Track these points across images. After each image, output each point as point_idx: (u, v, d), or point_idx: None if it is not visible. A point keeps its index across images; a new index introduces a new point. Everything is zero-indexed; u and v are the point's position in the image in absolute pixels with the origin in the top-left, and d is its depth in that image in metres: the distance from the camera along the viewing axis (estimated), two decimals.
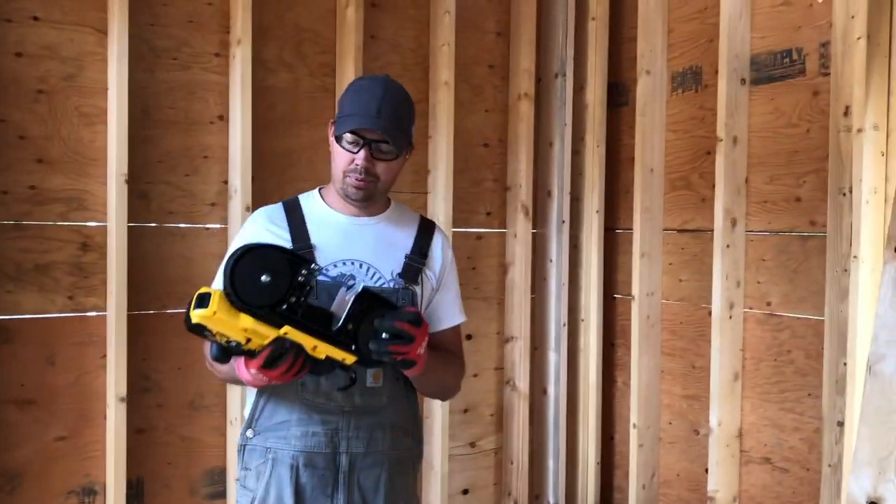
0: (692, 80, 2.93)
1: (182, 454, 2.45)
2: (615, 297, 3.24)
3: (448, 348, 1.82)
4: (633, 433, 3.02)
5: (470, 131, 2.98)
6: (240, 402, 2.44)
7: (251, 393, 1.74)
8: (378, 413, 1.71)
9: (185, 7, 2.41)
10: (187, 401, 2.45)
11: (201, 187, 2.46)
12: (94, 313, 2.30)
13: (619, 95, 3.21)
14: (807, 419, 2.53)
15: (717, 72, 2.78)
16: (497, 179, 3.07)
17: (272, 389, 1.69)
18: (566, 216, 3.11)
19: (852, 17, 2.33)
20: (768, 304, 2.65)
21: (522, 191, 3.02)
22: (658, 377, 3.04)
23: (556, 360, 3.12)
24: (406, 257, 1.74)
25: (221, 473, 2.50)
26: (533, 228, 3.09)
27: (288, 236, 1.70)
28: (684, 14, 2.95)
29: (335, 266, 1.68)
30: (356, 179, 1.66)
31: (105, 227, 2.29)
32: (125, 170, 2.24)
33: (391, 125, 1.63)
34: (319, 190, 1.80)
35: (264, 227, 1.73)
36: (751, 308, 2.70)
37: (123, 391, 2.25)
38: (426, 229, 1.81)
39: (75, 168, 2.26)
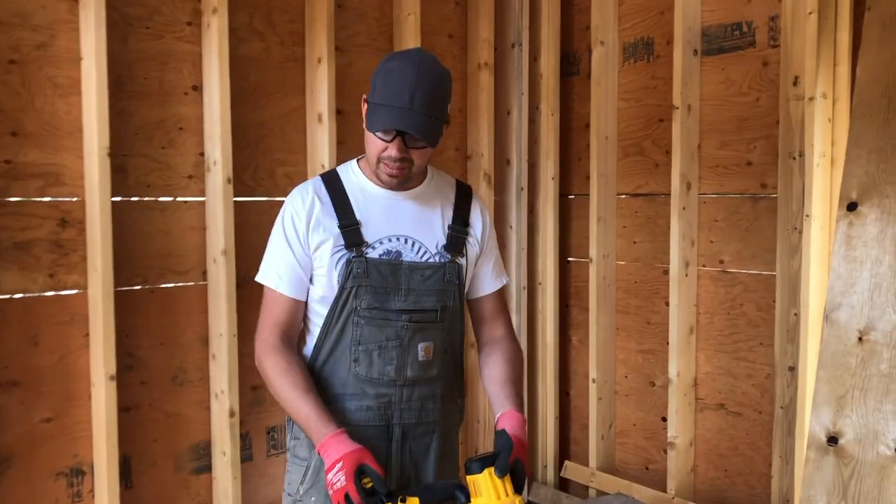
0: (644, 51, 3.07)
1: (167, 430, 2.43)
2: (569, 261, 3.38)
3: (492, 317, 1.85)
4: (592, 387, 3.19)
5: None
6: (224, 375, 2.44)
7: None
8: (429, 384, 1.74)
9: None
10: (170, 376, 2.43)
11: (178, 160, 2.41)
12: (75, 291, 2.23)
13: (571, 65, 3.33)
14: (759, 366, 2.75)
15: (668, 42, 2.94)
16: (458, 148, 3.14)
17: (325, 363, 1.71)
18: (524, 183, 3.22)
19: None
20: (721, 261, 2.84)
21: (484, 159, 3.10)
22: (614, 334, 3.22)
23: (516, 321, 3.24)
24: (449, 228, 1.75)
25: (206, 447, 2.50)
26: (493, 196, 3.18)
27: (333, 213, 1.68)
28: None
29: (381, 243, 1.68)
30: (389, 168, 1.63)
31: (83, 202, 2.22)
32: (107, 143, 2.17)
33: (425, 118, 1.56)
34: (358, 161, 1.77)
35: (308, 205, 1.69)
36: (704, 266, 2.89)
37: (113, 369, 2.20)
38: (464, 196, 1.81)
39: (51, 141, 2.17)
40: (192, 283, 2.46)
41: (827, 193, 2.48)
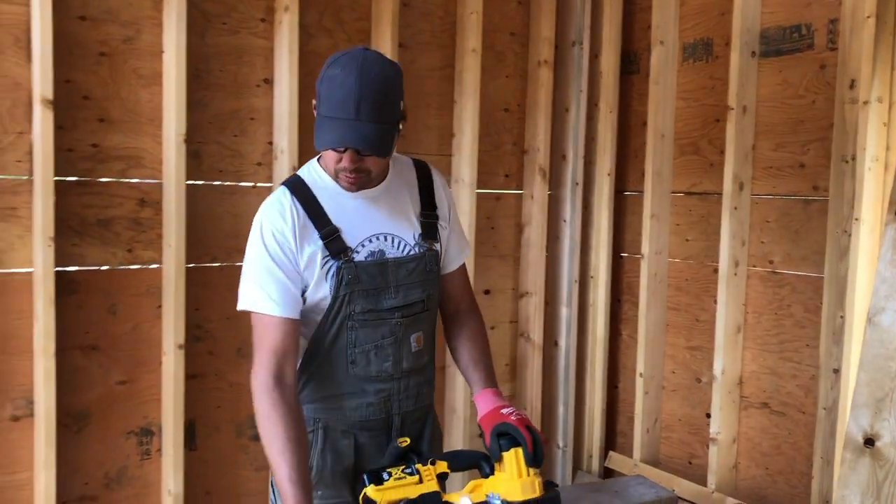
0: (703, 51, 3.10)
1: (230, 398, 2.61)
2: (622, 256, 3.44)
3: (458, 292, 1.85)
4: (639, 381, 3.25)
5: (491, 96, 3.13)
6: None
7: None
8: (422, 371, 1.78)
9: None
10: (235, 348, 2.61)
11: (248, 147, 2.58)
12: (151, 266, 2.43)
13: (631, 64, 3.38)
14: (804, 367, 2.77)
15: (727, 44, 2.96)
16: (515, 143, 3.23)
17: (315, 369, 1.70)
18: (580, 179, 3.29)
19: None
20: (770, 262, 2.87)
21: (540, 154, 3.18)
22: (664, 330, 3.26)
23: (567, 314, 3.32)
24: (420, 215, 1.74)
25: None
26: (548, 190, 3.27)
27: (311, 224, 1.63)
28: None
29: (363, 245, 1.67)
30: (346, 177, 1.60)
31: (160, 184, 2.41)
32: (184, 130, 2.36)
33: (373, 127, 1.51)
34: (318, 160, 1.70)
35: (288, 220, 1.62)
36: (754, 266, 2.92)
37: (182, 339, 2.40)
38: (424, 177, 1.79)
39: (133, 127, 2.37)
40: None
41: (879, 197, 2.48)
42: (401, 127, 1.61)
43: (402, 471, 1.52)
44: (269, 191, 2.62)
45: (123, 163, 2.37)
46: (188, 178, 2.43)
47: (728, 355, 2.93)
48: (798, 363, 2.79)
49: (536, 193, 3.23)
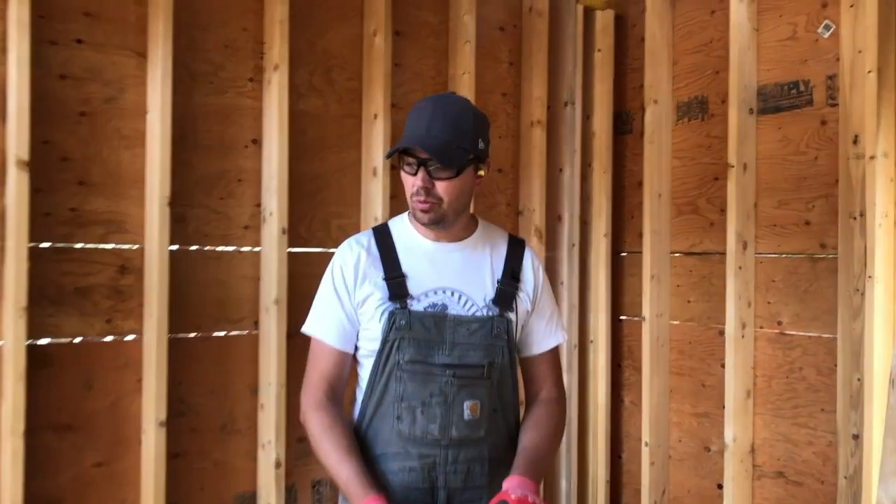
0: (698, 110, 3.06)
1: (214, 478, 2.43)
2: (621, 319, 3.33)
3: (539, 378, 1.78)
4: (645, 451, 3.10)
5: None
6: (271, 425, 2.44)
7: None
8: (476, 445, 1.65)
9: (221, 32, 2.43)
10: (219, 424, 2.44)
11: (236, 210, 2.47)
12: (131, 337, 2.28)
13: (624, 123, 3.33)
14: (820, 433, 2.65)
15: (723, 102, 2.93)
16: (510, 204, 3.15)
17: (370, 422, 1.67)
18: (576, 240, 3.20)
19: (859, 51, 2.49)
20: (779, 323, 2.77)
21: (536, 215, 3.10)
22: (667, 396, 3.13)
23: (567, 381, 3.18)
24: (498, 282, 1.71)
25: (252, 498, 2.48)
26: (545, 252, 3.17)
27: (380, 265, 1.68)
28: (689, 47, 3.09)
29: (426, 296, 1.66)
30: (418, 202, 1.64)
31: (143, 249, 2.27)
32: (168, 193, 2.24)
33: (440, 142, 1.58)
34: (408, 213, 1.76)
35: (355, 257, 1.69)
36: (761, 327, 2.82)
37: (163, 415, 2.23)
38: (516, 249, 1.77)
39: (115, 190, 2.25)
40: (244, 333, 2.49)
41: (891, 254, 2.41)
42: (481, 167, 1.69)
43: None
44: (258, 256, 2.50)
45: (104, 227, 2.24)
46: (172, 243, 2.29)
47: (739, 422, 2.80)
48: (813, 429, 2.67)
49: None
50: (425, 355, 1.62)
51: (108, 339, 2.25)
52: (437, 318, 1.64)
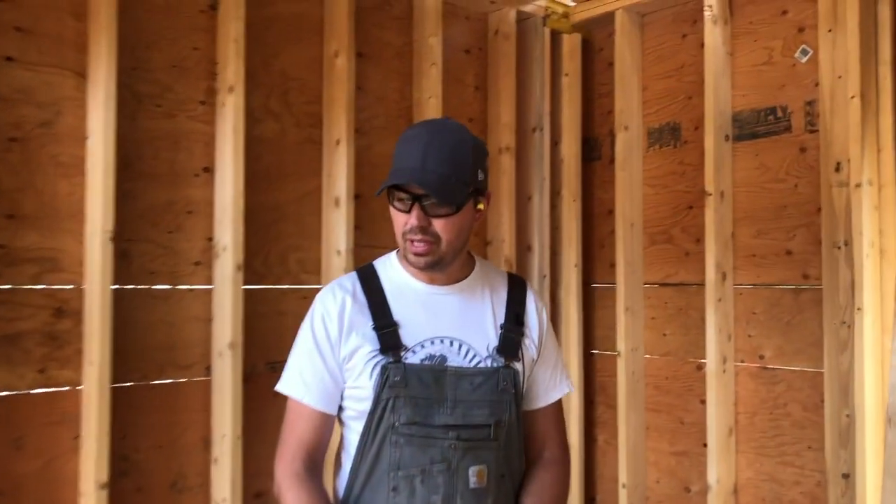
0: (670, 136, 2.96)
1: None
2: (593, 353, 3.19)
3: (543, 434, 1.59)
4: (622, 493, 2.94)
5: None
6: (226, 481, 2.21)
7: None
8: None
9: (169, 51, 2.23)
10: (168, 482, 2.20)
11: (185, 245, 2.25)
12: (67, 388, 2.03)
13: (592, 150, 3.22)
14: (807, 472, 2.53)
15: (697, 128, 2.83)
16: (477, 233, 2.99)
17: (360, 494, 1.46)
18: (546, 271, 3.06)
19: (839, 76, 2.42)
20: (761, 357, 2.66)
21: (506, 245, 2.94)
22: (644, 434, 2.99)
23: None
24: (501, 328, 1.52)
25: None
26: None
27: (368, 313, 1.49)
28: (659, 72, 3.00)
29: (422, 346, 1.46)
30: (413, 243, 1.45)
31: (81, 289, 2.04)
32: (111, 226, 2.01)
33: (438, 176, 1.40)
34: (397, 252, 1.56)
35: (339, 305, 1.49)
36: (742, 361, 2.71)
37: (105, 476, 1.98)
38: (518, 291, 1.59)
39: (50, 224, 2.01)
40: (194, 379, 2.26)
41: (878, 285, 2.33)
42: (480, 201, 1.51)
43: None
44: (209, 294, 2.28)
45: (37, 266, 1.99)
46: (115, 283, 2.06)
47: (721, 461, 2.67)
48: (800, 468, 2.55)
49: None
50: (424, 416, 1.43)
51: (41, 391, 2.00)
52: (436, 372, 1.45)
